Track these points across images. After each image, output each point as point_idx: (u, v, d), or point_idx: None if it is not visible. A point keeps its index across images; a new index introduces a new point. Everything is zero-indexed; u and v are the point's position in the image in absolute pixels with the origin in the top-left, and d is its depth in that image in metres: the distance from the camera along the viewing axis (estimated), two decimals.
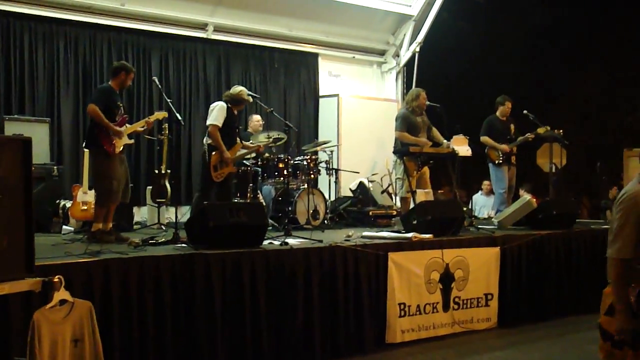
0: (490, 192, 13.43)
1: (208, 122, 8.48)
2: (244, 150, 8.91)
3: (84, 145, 8.04)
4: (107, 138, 7.24)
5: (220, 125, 8.38)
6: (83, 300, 4.34)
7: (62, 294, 4.09)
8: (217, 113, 8.42)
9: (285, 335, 6.33)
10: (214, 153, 8.33)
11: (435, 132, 9.64)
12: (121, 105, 7.57)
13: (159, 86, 8.60)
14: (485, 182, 13.54)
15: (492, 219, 10.18)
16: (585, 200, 15.98)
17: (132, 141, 7.67)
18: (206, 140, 8.43)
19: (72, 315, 4.19)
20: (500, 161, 10.41)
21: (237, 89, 8.81)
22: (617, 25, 19.42)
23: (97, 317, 4.47)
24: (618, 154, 19.22)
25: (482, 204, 13.45)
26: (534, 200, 9.51)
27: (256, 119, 10.63)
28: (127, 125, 7.49)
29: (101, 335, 4.42)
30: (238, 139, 8.79)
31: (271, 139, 9.44)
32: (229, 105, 8.58)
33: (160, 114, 8.26)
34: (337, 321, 6.70)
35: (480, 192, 13.70)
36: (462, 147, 9.40)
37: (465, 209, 9.82)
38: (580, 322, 8.42)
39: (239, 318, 6.03)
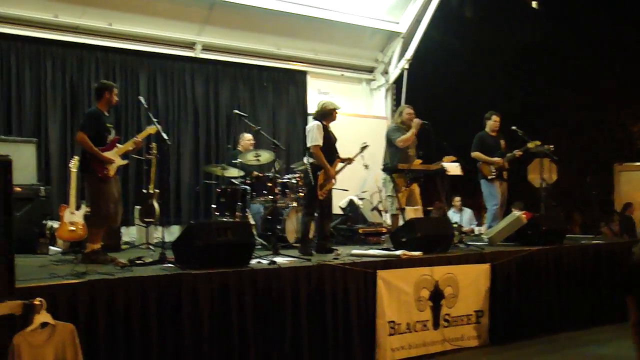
0: (461, 208, 13.43)
1: (309, 144, 8.33)
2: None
3: (75, 166, 7.94)
4: (100, 164, 7.17)
5: (321, 144, 8.31)
6: (65, 323, 4.28)
7: (43, 316, 4.04)
8: (315, 134, 8.32)
9: (274, 355, 6.25)
10: (319, 172, 8.25)
11: None
12: (111, 126, 7.49)
13: (145, 106, 8.57)
14: (456, 199, 13.51)
15: (482, 235, 10.14)
16: (576, 215, 15.97)
17: (126, 162, 7.60)
18: (308, 160, 8.29)
19: (54, 339, 4.14)
20: (493, 176, 10.36)
21: (321, 102, 8.75)
22: (605, 41, 19.50)
23: (82, 339, 4.41)
24: (608, 168, 19.31)
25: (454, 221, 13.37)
26: (524, 216, 9.47)
27: (247, 138, 10.60)
28: (117, 146, 7.42)
29: (86, 359, 4.36)
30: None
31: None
32: (323, 122, 8.47)
33: (151, 129, 8.12)
34: (326, 340, 6.63)
35: (452, 209, 13.60)
36: (452, 165, 9.34)
37: (455, 225, 9.80)
38: (571, 338, 8.40)
39: (226, 338, 5.95)
